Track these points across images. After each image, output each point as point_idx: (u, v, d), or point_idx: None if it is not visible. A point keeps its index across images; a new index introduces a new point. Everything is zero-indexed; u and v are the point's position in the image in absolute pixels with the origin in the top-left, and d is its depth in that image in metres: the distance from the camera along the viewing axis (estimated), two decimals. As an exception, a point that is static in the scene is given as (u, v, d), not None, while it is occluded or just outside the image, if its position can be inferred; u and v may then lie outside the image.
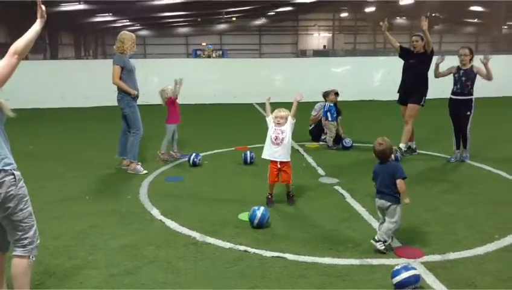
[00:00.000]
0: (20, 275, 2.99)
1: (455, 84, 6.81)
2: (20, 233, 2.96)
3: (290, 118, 5.18)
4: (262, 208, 4.54)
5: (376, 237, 4.02)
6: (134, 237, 4.32)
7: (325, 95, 8.31)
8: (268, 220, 4.52)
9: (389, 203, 3.96)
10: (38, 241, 3.07)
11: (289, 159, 5.19)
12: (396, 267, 3.41)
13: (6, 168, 2.83)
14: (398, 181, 3.90)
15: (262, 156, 5.25)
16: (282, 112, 5.22)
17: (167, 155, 7.10)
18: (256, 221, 4.45)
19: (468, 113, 6.76)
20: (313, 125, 8.61)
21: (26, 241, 2.98)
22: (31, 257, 3.00)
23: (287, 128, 5.16)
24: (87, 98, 13.31)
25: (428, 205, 5.16)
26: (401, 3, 35.03)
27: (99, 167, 6.84)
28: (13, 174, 2.86)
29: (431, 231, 4.44)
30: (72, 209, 5.10)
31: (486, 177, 6.32)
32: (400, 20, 43.30)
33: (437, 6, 33.36)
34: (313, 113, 8.60)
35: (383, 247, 3.97)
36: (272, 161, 5.16)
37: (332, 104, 8.14)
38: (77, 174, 6.51)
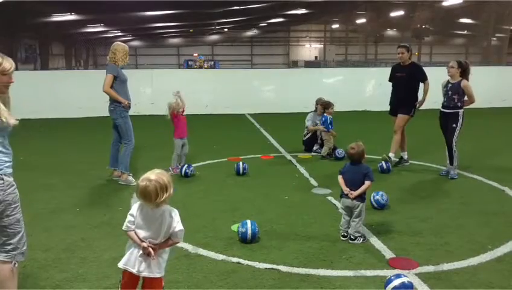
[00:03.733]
0: (3, 279, 2.96)
1: (444, 97, 6.79)
2: (4, 238, 2.94)
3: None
4: (248, 223, 4.42)
5: (351, 237, 4.40)
6: (126, 249, 4.26)
7: (326, 106, 8.29)
8: (258, 232, 4.48)
9: (358, 203, 4.38)
10: (24, 248, 3.04)
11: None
12: (389, 277, 3.44)
13: None
14: (368, 182, 4.37)
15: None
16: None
17: (177, 169, 7.00)
18: (249, 237, 4.38)
19: (454, 125, 6.62)
20: (308, 135, 8.61)
21: (9, 247, 2.95)
22: (13, 263, 2.98)
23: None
24: (79, 109, 13.24)
25: (421, 216, 5.16)
26: (392, 15, 35.39)
27: (91, 178, 6.78)
28: (2, 179, 2.84)
29: (424, 242, 4.44)
30: (62, 221, 5.04)
31: (478, 188, 6.35)
32: (390, 32, 43.71)
33: (427, 18, 33.73)
34: (309, 124, 8.56)
35: (362, 239, 4.39)
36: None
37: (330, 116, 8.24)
38: (68, 185, 6.44)
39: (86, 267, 3.93)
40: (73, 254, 4.18)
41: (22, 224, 3.00)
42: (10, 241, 2.95)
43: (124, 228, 2.88)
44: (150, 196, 2.76)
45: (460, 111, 6.63)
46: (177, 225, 2.87)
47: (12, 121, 2.85)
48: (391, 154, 7.32)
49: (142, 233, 2.85)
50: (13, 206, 2.92)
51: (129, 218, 2.87)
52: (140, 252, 2.84)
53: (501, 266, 3.94)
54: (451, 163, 6.76)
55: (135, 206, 2.90)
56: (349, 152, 4.55)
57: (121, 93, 6.32)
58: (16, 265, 3.01)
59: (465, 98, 6.64)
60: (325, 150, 8.10)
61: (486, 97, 13.59)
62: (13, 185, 2.93)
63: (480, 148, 8.70)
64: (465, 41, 47.61)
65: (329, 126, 8.18)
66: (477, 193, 6.12)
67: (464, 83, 6.59)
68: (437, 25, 35.01)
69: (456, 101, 6.62)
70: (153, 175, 2.81)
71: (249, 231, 4.36)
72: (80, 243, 4.44)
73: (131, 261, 2.87)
